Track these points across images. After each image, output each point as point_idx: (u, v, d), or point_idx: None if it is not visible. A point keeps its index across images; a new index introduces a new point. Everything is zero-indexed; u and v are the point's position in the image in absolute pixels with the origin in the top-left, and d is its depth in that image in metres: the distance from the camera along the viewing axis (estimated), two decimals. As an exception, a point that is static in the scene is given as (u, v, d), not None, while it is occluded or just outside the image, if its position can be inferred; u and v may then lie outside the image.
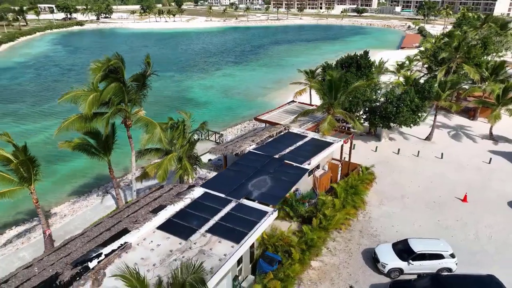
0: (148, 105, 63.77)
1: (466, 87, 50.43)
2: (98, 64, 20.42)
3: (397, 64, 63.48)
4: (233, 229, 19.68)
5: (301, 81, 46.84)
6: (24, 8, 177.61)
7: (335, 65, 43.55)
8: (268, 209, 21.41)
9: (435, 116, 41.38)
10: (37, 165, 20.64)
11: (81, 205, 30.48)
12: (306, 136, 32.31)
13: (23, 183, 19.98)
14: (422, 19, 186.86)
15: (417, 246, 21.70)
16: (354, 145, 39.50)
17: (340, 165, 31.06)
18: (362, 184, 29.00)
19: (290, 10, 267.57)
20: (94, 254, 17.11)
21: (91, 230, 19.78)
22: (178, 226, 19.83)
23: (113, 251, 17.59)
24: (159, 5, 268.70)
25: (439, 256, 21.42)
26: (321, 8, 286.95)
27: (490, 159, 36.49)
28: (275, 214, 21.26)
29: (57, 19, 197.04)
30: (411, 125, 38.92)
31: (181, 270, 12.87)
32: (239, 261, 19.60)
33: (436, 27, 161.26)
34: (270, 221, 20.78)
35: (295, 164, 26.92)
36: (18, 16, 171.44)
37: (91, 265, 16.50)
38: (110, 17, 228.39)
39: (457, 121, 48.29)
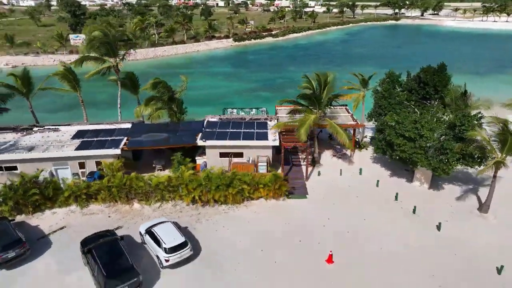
0: (282, 88, 70.36)
1: None
2: (92, 28, 34.94)
3: None
4: (90, 145, 29.55)
5: (353, 86, 39.57)
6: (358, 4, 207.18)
7: (407, 76, 34.58)
8: (119, 147, 29.15)
9: (494, 179, 25.76)
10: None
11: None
12: (266, 130, 32.70)
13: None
14: None
15: (158, 228, 22.55)
16: (361, 169, 32.96)
17: (260, 163, 30.01)
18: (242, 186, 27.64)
19: None
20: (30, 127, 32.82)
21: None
22: (83, 133, 31.81)
23: (45, 129, 32.54)
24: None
25: (157, 242, 21.63)
26: None
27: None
28: (117, 151, 28.81)
29: (386, 14, 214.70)
30: (434, 172, 27.50)
31: None
32: (82, 167, 29.30)
33: None
34: (109, 152, 28.74)
35: (198, 138, 30.68)
36: (347, 9, 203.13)
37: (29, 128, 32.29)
38: (438, 14, 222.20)
39: None
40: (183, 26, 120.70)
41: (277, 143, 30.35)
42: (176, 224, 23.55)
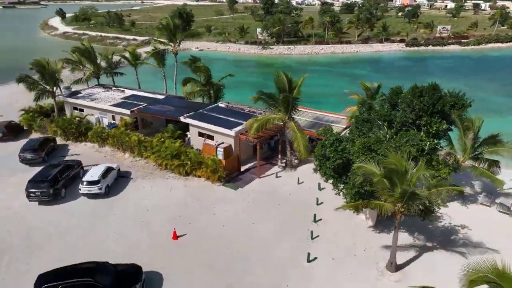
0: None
1: None
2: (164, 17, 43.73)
3: None
4: (121, 105, 39.57)
5: (357, 96, 32.21)
6: None
7: (412, 90, 27.91)
8: (130, 109, 37.81)
9: (395, 230, 19.44)
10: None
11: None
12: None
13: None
14: None
15: (95, 167, 29.84)
16: (319, 184, 30.29)
17: (218, 148, 32.23)
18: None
19: None
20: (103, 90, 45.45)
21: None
22: (131, 97, 42.24)
23: (117, 89, 44.82)
24: None
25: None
26: None
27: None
28: (127, 111, 37.59)
29: None
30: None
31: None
32: (114, 119, 39.59)
33: None
34: (124, 112, 37.86)
35: (184, 115, 35.73)
36: None
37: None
38: None
39: None
40: (356, 26, 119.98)
41: (233, 134, 31.93)
42: (109, 169, 30.23)
